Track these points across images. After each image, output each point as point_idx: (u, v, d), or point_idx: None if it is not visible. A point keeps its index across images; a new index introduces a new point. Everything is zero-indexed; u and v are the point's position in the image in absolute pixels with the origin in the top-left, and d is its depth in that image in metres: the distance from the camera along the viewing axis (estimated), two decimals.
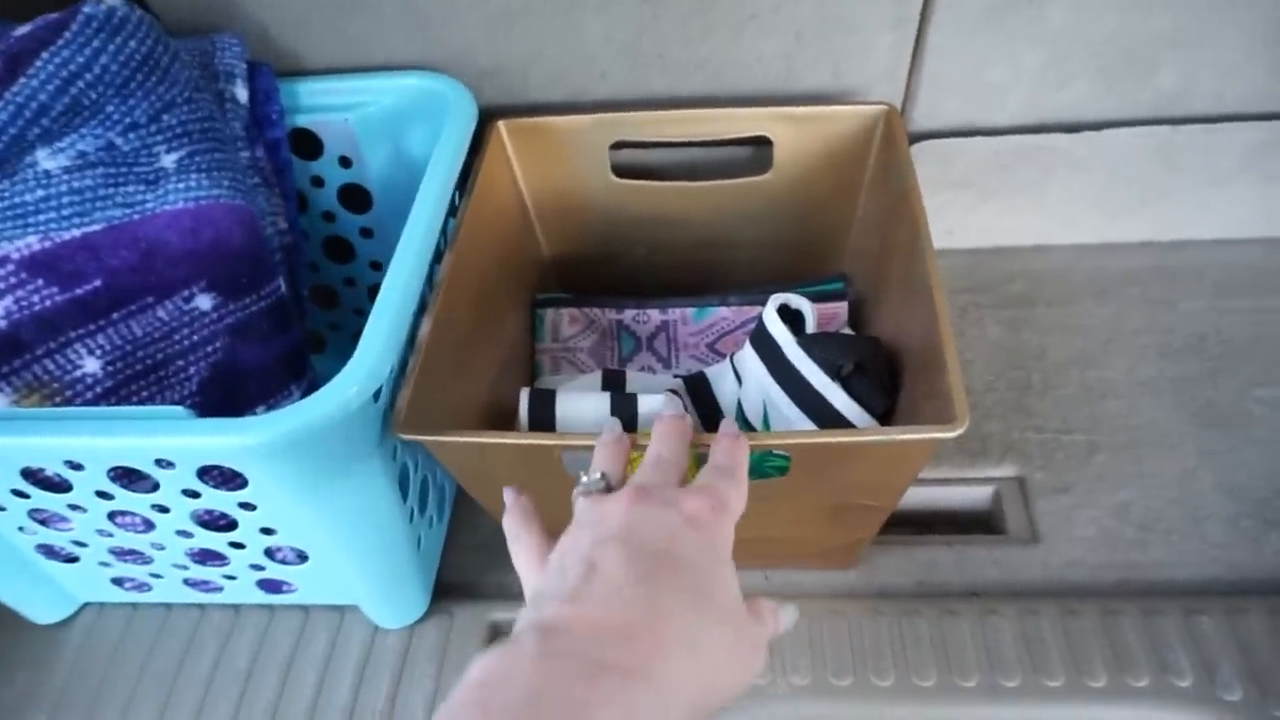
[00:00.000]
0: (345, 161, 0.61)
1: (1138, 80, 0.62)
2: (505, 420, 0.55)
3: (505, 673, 0.27)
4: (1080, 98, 0.63)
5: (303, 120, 0.60)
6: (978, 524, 0.62)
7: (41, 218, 0.47)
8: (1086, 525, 0.58)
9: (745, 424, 0.55)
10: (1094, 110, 0.63)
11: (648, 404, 0.53)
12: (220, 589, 0.56)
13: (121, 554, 0.53)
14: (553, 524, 0.38)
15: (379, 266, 0.66)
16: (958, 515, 0.62)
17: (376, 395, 0.43)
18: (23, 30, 0.47)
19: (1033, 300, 0.71)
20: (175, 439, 0.39)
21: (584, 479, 0.36)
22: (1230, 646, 0.51)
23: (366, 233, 0.65)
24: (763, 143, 0.60)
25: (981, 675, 0.52)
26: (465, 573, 0.59)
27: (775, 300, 0.53)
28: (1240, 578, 0.55)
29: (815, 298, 0.57)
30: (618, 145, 0.61)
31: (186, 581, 0.56)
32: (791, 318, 0.54)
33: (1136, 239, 0.73)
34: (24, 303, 0.46)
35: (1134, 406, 0.64)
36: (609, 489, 0.36)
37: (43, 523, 0.50)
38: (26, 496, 0.47)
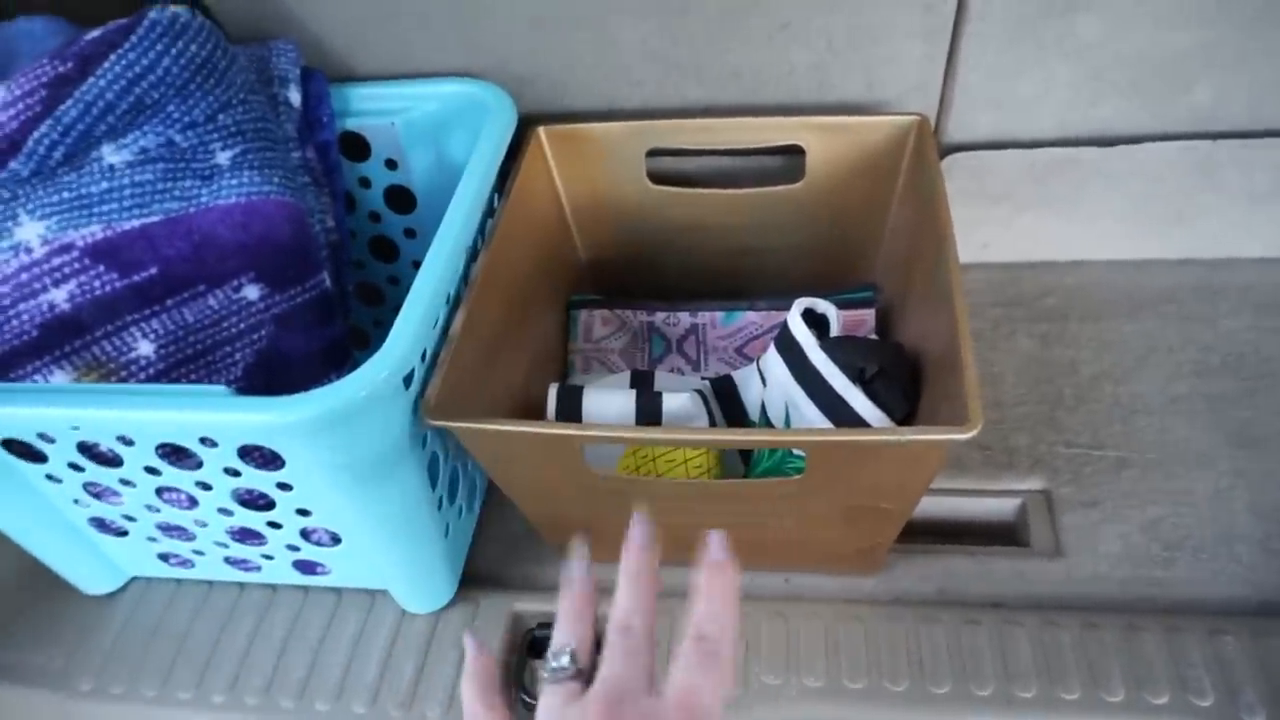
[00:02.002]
0: (391, 164, 0.64)
1: (1172, 95, 0.61)
2: (535, 415, 0.57)
3: None
4: (1114, 111, 0.63)
5: (352, 124, 0.62)
6: (1002, 536, 0.61)
7: (105, 208, 0.50)
8: (1112, 540, 0.58)
9: (768, 424, 0.56)
10: (1129, 124, 0.63)
11: (672, 402, 0.55)
12: (259, 568, 0.59)
13: (167, 529, 0.56)
14: (573, 518, 0.39)
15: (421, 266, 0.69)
16: (982, 527, 0.62)
17: (408, 382, 0.45)
18: (93, 34, 0.50)
19: (1066, 315, 0.70)
20: (216, 414, 0.42)
21: (550, 661, 0.33)
22: (1255, 668, 0.51)
23: (410, 233, 0.68)
24: (795, 151, 0.62)
25: (997, 685, 0.51)
26: (492, 563, 0.61)
27: (800, 304, 0.54)
28: (1268, 599, 0.54)
29: (843, 305, 0.58)
30: (653, 152, 0.63)
31: (227, 560, 0.58)
32: (816, 321, 0.55)
33: (1174, 255, 0.72)
34: (86, 287, 0.49)
35: (1166, 424, 0.63)
36: (578, 673, 0.33)
37: (96, 496, 0.53)
38: (81, 470, 0.50)
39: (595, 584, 0.36)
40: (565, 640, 0.34)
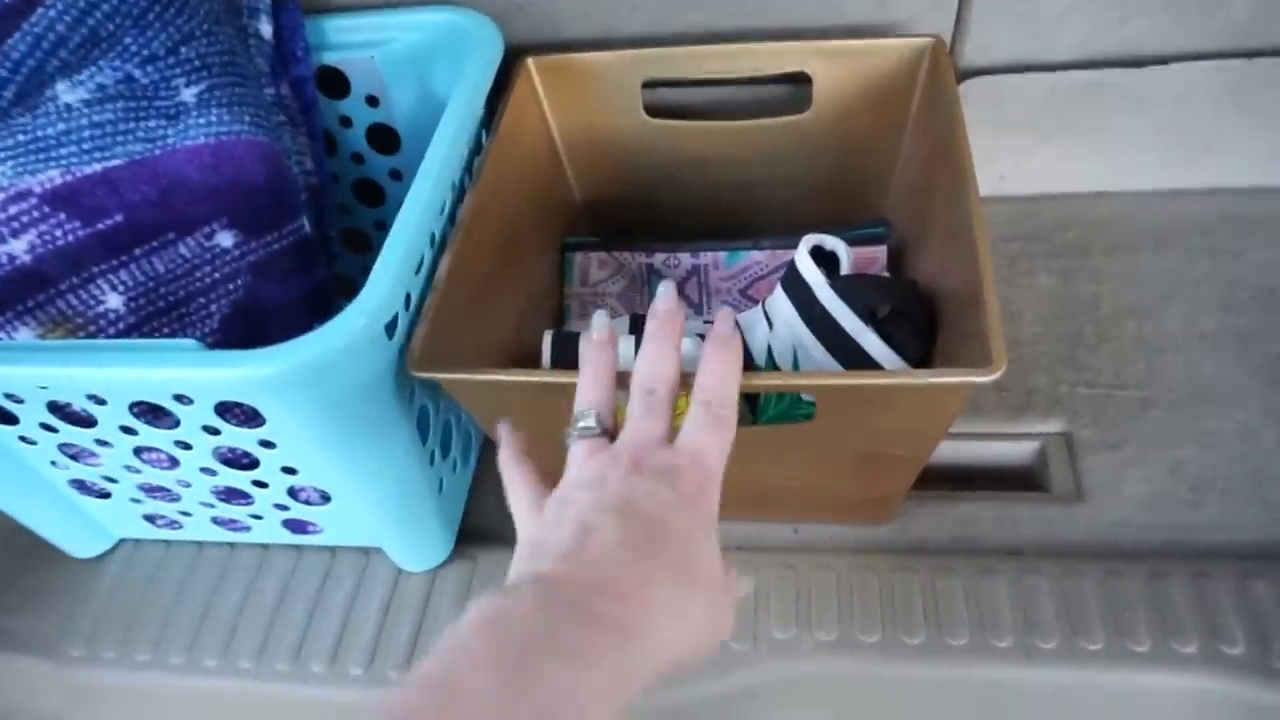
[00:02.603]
0: (373, 100, 0.60)
1: (1208, 11, 0.57)
2: (529, 363, 0.54)
3: (509, 613, 0.29)
4: (1144, 29, 0.58)
5: (329, 57, 0.59)
6: (1020, 481, 0.59)
7: (63, 151, 0.46)
8: (1136, 484, 0.55)
9: (775, 369, 0.53)
10: (1159, 43, 0.59)
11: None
12: (248, 528, 0.57)
13: (150, 490, 0.54)
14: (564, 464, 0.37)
15: None
16: (999, 472, 0.59)
17: (391, 330, 0.43)
18: None
19: (1087, 249, 0.67)
20: (186, 371, 0.39)
21: (578, 421, 0.37)
22: None
23: (396, 175, 0.64)
24: (801, 80, 0.58)
25: (1017, 636, 0.49)
26: (490, 519, 0.58)
27: (808, 241, 0.51)
28: None
29: (854, 242, 0.55)
30: (650, 83, 0.59)
31: (215, 520, 0.56)
32: (826, 260, 0.51)
33: (1201, 185, 0.68)
34: (47, 237, 0.46)
35: (1193, 361, 0.60)
36: (604, 432, 0.37)
37: (73, 457, 0.51)
38: (55, 431, 0.48)
39: (615, 351, 0.39)
40: (588, 403, 0.38)
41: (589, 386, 0.38)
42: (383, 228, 0.67)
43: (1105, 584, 0.50)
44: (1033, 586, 0.51)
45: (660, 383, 0.37)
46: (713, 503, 0.35)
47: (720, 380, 0.37)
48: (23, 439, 0.49)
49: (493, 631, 0.28)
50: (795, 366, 0.50)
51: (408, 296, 0.44)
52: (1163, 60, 0.60)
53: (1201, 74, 0.60)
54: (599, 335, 0.39)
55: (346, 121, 0.62)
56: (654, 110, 0.60)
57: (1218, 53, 0.60)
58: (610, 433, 0.37)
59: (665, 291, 0.39)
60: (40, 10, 0.45)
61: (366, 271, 0.70)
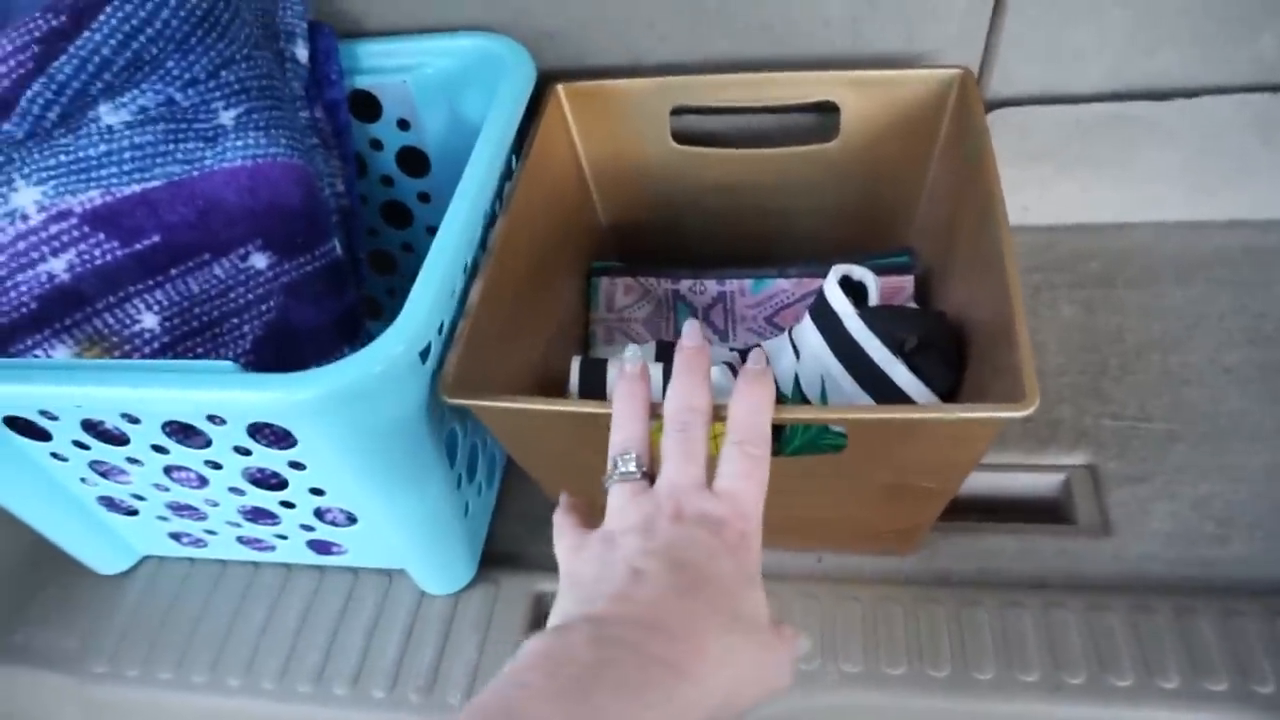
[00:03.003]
0: (404, 124, 0.61)
1: (1236, 45, 0.57)
2: (556, 389, 0.54)
3: (563, 649, 0.30)
4: (1171, 63, 0.59)
5: (362, 81, 0.59)
6: (1046, 513, 0.59)
7: (103, 172, 0.47)
8: (1163, 518, 0.55)
9: (802, 399, 0.53)
10: (1186, 76, 0.59)
11: None
12: (273, 548, 0.57)
13: (178, 509, 0.54)
14: (596, 496, 0.38)
15: (436, 232, 0.66)
16: (1024, 503, 0.59)
17: (424, 356, 0.43)
18: None
19: (1111, 280, 0.67)
20: (223, 393, 0.39)
21: (619, 466, 0.37)
22: None
23: (424, 198, 0.65)
24: (829, 108, 0.58)
25: (1044, 671, 0.49)
26: (513, 542, 0.59)
27: (837, 271, 0.51)
28: None
29: (880, 271, 0.55)
30: (678, 110, 0.60)
31: (240, 539, 0.56)
32: (854, 290, 0.52)
33: (1226, 217, 0.68)
34: (86, 256, 0.47)
35: (1219, 394, 0.60)
36: (643, 475, 0.37)
37: (103, 475, 0.51)
38: (87, 448, 0.48)
39: (649, 385, 0.39)
40: (626, 444, 0.38)
41: (625, 424, 0.38)
42: (410, 250, 0.68)
43: (1133, 619, 0.50)
44: (1060, 620, 0.51)
45: (693, 414, 0.37)
46: (755, 552, 0.35)
47: (753, 416, 0.37)
48: (55, 455, 0.50)
49: (548, 665, 0.29)
50: (823, 396, 0.51)
51: (441, 323, 0.44)
52: (1189, 93, 0.60)
53: (1228, 107, 0.61)
54: (631, 369, 0.39)
55: (377, 144, 0.62)
56: (682, 137, 0.61)
57: (1244, 86, 0.60)
58: (649, 474, 0.37)
59: (691, 329, 0.40)
60: (87, 34, 0.46)
61: (393, 293, 0.71)
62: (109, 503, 0.55)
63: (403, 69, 0.59)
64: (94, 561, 0.60)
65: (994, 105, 0.62)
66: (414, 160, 0.63)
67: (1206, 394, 0.60)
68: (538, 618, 0.55)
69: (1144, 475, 0.57)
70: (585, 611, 0.32)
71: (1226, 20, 0.56)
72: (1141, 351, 0.63)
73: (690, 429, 0.37)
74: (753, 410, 0.37)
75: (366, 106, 0.60)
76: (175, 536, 0.58)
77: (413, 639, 0.55)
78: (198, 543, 0.58)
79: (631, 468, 0.37)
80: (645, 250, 0.65)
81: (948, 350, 0.48)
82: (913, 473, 0.45)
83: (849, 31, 0.58)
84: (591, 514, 0.39)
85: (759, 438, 0.37)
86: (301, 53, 0.55)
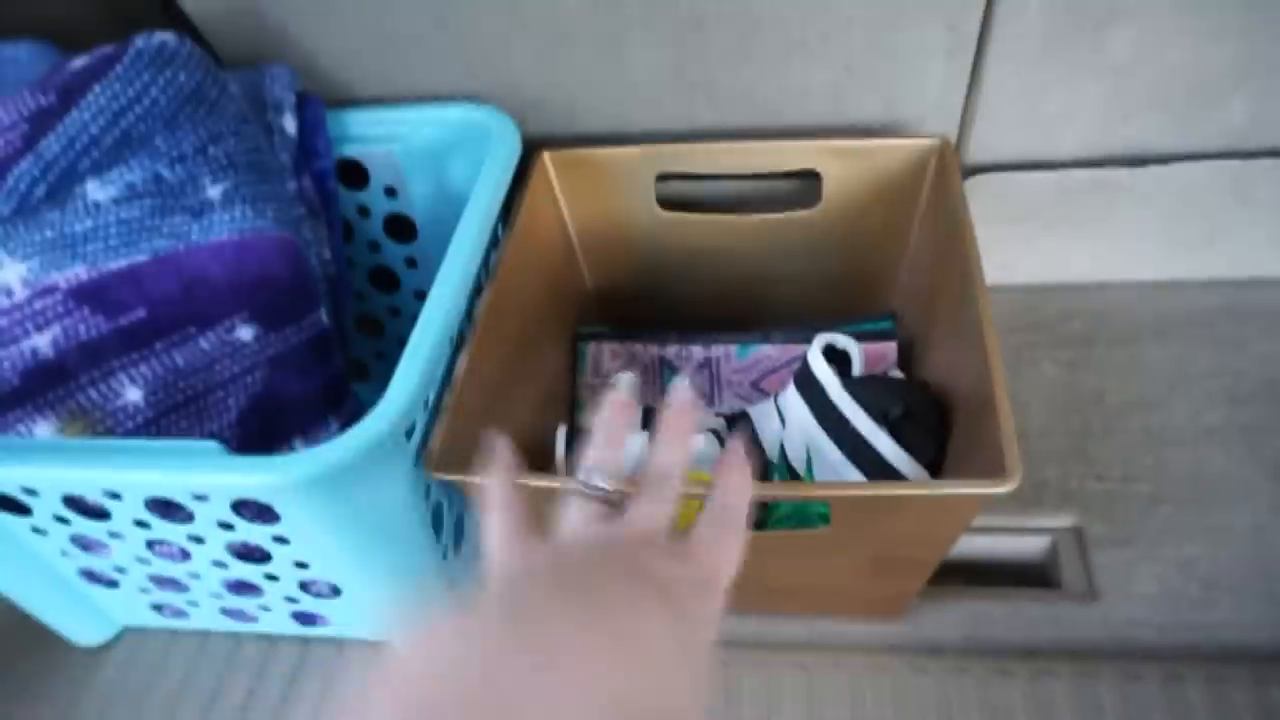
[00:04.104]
0: (390, 192, 0.62)
1: (1206, 112, 0.59)
2: (542, 455, 0.54)
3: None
4: (1146, 130, 0.60)
5: (349, 150, 0.60)
6: (1032, 576, 0.59)
7: (89, 248, 0.47)
8: (1148, 581, 0.55)
9: (788, 468, 0.53)
10: (1159, 143, 0.61)
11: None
12: (255, 619, 0.56)
13: (160, 581, 0.53)
14: None
15: (423, 296, 0.65)
16: (1010, 566, 0.59)
17: (409, 433, 0.43)
18: (77, 63, 0.48)
19: (1092, 340, 0.68)
20: (207, 475, 0.39)
21: (589, 475, 0.33)
22: None
23: (411, 262, 0.65)
24: (811, 176, 0.59)
25: None
26: None
27: (821, 340, 0.52)
28: None
29: (863, 336, 0.55)
30: (663, 177, 0.61)
31: (223, 610, 0.56)
32: (838, 358, 0.52)
33: (1203, 276, 0.69)
34: (70, 332, 0.47)
35: (1201, 455, 0.60)
36: (607, 500, 0.33)
37: (84, 548, 0.51)
38: (68, 522, 0.48)
39: (629, 421, 0.36)
40: (601, 461, 0.34)
41: (602, 444, 0.35)
42: (397, 314, 0.68)
43: (1122, 688, 0.50)
44: (1048, 689, 0.51)
45: (675, 470, 0.34)
46: (707, 614, 0.30)
47: (732, 491, 0.34)
48: (35, 529, 0.49)
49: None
50: (808, 465, 0.51)
51: (427, 399, 0.44)
52: (1163, 159, 0.62)
53: (1201, 172, 0.62)
54: (619, 397, 0.37)
55: (364, 211, 0.63)
56: (667, 203, 0.62)
57: (1217, 153, 0.61)
58: (616, 504, 0.33)
59: (681, 386, 0.37)
60: (75, 112, 0.46)
61: (380, 356, 0.72)
62: (89, 575, 0.54)
63: (390, 138, 0.59)
64: (73, 633, 0.59)
65: (973, 171, 0.63)
66: (401, 226, 0.63)
67: (1189, 454, 0.61)
68: None
69: (1129, 538, 0.57)
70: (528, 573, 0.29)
71: (1197, 89, 0.58)
72: (1124, 412, 0.63)
73: (669, 483, 0.33)
74: (734, 490, 0.34)
75: (354, 174, 0.61)
76: (157, 608, 0.57)
77: None
78: (179, 614, 0.57)
79: (600, 481, 0.33)
80: (631, 315, 0.66)
81: (931, 420, 0.49)
82: (898, 545, 0.45)
83: (829, 100, 0.59)
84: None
85: (741, 503, 0.34)
86: (290, 125, 0.56)
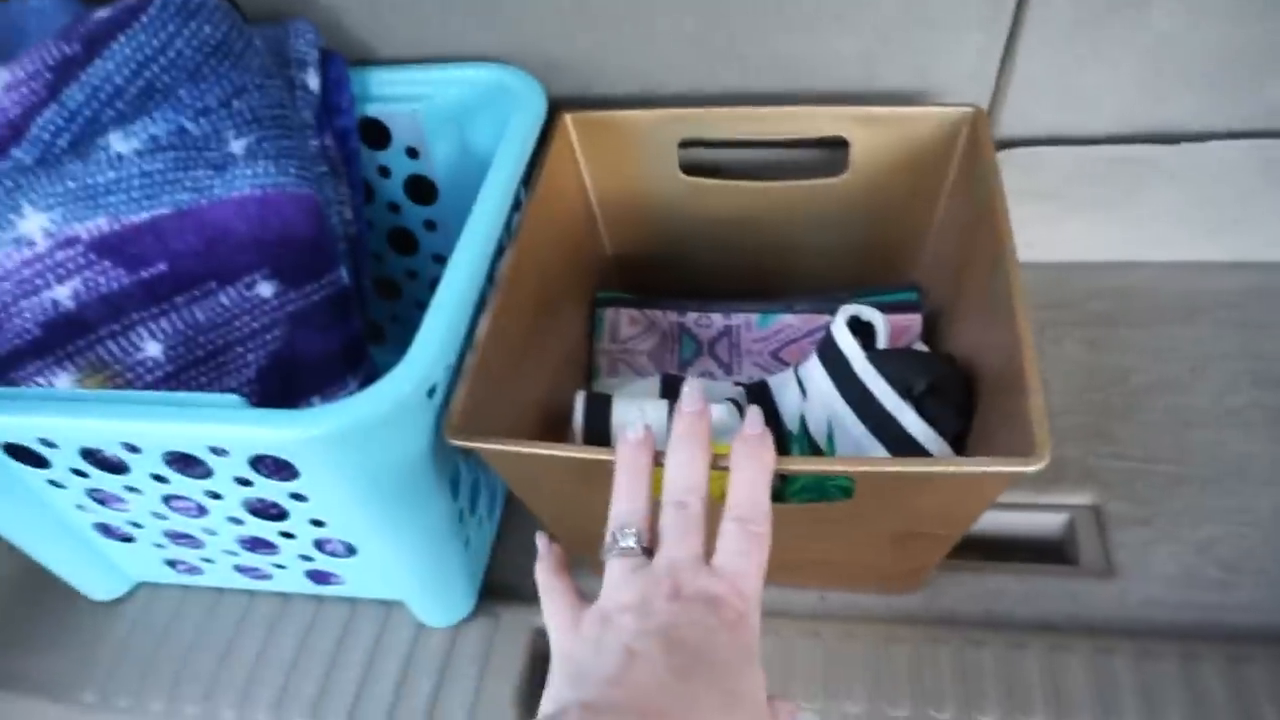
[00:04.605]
0: (412, 152, 0.61)
1: (1245, 91, 0.58)
2: (560, 421, 0.54)
3: None
4: (1182, 107, 0.59)
5: (372, 110, 0.59)
6: (1049, 553, 0.58)
7: (111, 199, 0.47)
8: (1166, 561, 0.55)
9: (808, 440, 0.53)
10: (1195, 121, 0.60)
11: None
12: (269, 577, 0.56)
13: (175, 537, 0.53)
14: (598, 534, 0.37)
15: (442, 260, 0.66)
16: (1028, 543, 0.59)
17: (431, 392, 0.43)
18: (101, 13, 0.47)
19: (1116, 320, 0.67)
20: (228, 427, 0.39)
21: (619, 541, 0.36)
22: None
23: (430, 225, 0.65)
24: (838, 144, 0.58)
25: (1048, 714, 0.49)
26: (512, 574, 0.58)
27: (845, 311, 0.51)
28: None
29: (887, 308, 0.55)
30: (687, 143, 0.60)
31: (237, 568, 0.56)
32: (862, 330, 0.51)
33: (1232, 258, 0.68)
34: (91, 284, 0.47)
35: (1224, 437, 0.60)
36: (643, 550, 0.36)
37: (101, 502, 0.51)
38: (85, 476, 0.48)
39: (652, 454, 0.38)
40: (626, 517, 0.37)
41: (626, 497, 0.38)
42: (415, 277, 0.67)
43: (1138, 664, 0.50)
44: (1064, 663, 0.50)
45: (692, 494, 0.37)
46: (754, 631, 0.34)
47: (752, 491, 0.37)
48: (52, 482, 0.49)
49: None
50: (830, 439, 0.50)
51: (448, 362, 0.44)
52: (1198, 138, 0.61)
53: (1235, 152, 0.61)
54: (634, 436, 0.39)
55: (385, 172, 0.62)
56: (689, 169, 0.61)
57: (1253, 132, 0.60)
58: (648, 548, 0.37)
59: (691, 391, 0.39)
60: (99, 61, 0.46)
61: (396, 319, 0.71)
62: (105, 529, 0.54)
63: (413, 98, 0.59)
64: (88, 588, 0.59)
65: (1004, 144, 0.62)
66: (421, 188, 0.63)
67: (1211, 436, 0.60)
68: (536, 650, 0.55)
69: (1148, 517, 0.57)
70: (579, 697, 0.31)
71: (1235, 68, 0.56)
72: (1147, 392, 0.63)
73: (688, 506, 0.36)
74: (752, 485, 0.37)
75: (376, 134, 0.60)
76: (171, 563, 0.57)
77: (410, 671, 0.54)
78: (193, 570, 0.57)
79: (631, 543, 0.36)
80: (651, 281, 0.65)
81: (957, 395, 0.48)
82: (919, 521, 0.45)
83: (861, 67, 0.58)
84: (592, 546, 0.38)
85: (759, 514, 0.36)
86: (313, 81, 0.55)
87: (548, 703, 0.33)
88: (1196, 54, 0.56)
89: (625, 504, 0.38)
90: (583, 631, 0.35)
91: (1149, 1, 0.53)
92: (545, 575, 0.39)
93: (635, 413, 0.50)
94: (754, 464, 0.37)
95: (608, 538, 0.37)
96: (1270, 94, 0.57)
